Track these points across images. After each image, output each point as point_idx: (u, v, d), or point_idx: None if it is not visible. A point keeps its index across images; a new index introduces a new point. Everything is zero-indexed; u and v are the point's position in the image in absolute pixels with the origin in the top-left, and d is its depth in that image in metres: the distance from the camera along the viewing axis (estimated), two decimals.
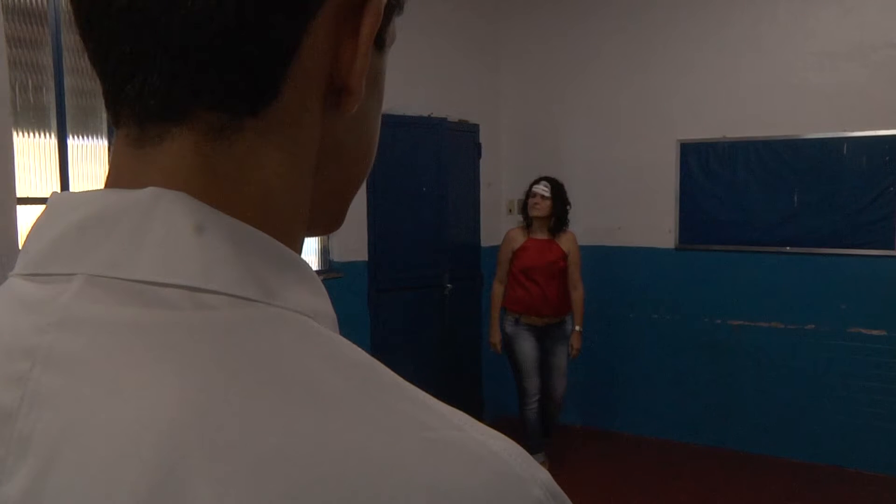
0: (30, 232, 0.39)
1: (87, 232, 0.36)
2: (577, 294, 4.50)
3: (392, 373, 0.36)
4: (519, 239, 4.53)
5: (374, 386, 0.35)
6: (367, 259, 4.82)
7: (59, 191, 0.39)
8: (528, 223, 4.51)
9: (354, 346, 0.37)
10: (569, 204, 4.53)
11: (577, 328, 4.49)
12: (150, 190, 0.36)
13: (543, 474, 0.35)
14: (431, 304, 5.16)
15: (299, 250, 0.42)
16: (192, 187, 0.36)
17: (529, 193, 4.49)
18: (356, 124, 0.43)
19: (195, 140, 0.37)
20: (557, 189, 4.47)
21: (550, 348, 4.51)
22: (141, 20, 0.35)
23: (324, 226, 0.46)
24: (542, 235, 4.46)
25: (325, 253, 4.79)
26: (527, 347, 4.46)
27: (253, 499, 0.30)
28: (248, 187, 0.38)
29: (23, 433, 0.32)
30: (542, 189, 4.44)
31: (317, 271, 4.60)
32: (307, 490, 0.30)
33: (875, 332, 4.64)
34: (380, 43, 0.43)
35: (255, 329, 0.35)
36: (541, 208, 4.43)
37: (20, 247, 0.39)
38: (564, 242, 4.48)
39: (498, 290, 4.57)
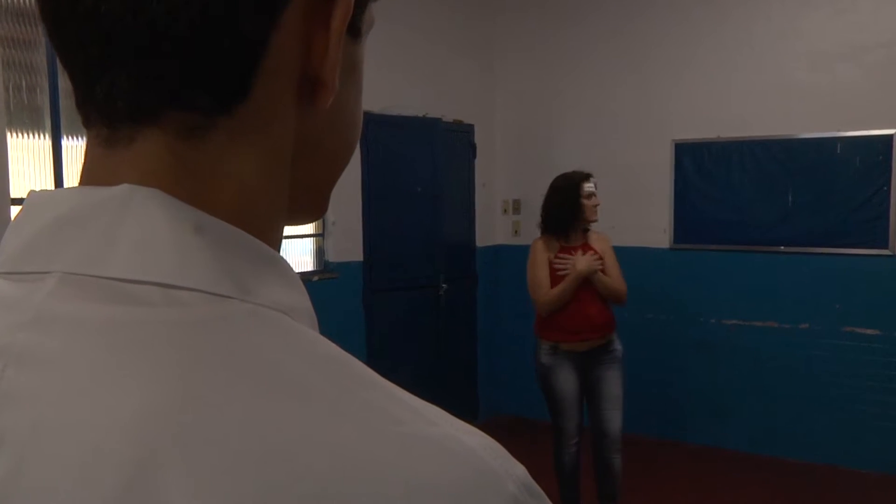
0: (8, 230, 0.39)
1: (61, 229, 0.36)
2: (619, 282, 3.73)
3: (367, 368, 0.36)
4: (552, 247, 3.73)
5: (348, 381, 0.35)
6: (361, 259, 4.82)
7: (41, 190, 0.39)
8: (567, 232, 3.70)
9: (329, 341, 0.37)
10: None
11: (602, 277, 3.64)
12: (124, 186, 0.36)
13: (519, 469, 0.35)
14: (426, 304, 5.16)
15: (278, 245, 0.41)
16: (165, 186, 0.36)
17: (580, 194, 3.65)
18: (333, 116, 0.42)
19: (167, 140, 0.37)
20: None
21: (599, 375, 3.70)
22: (107, 22, 0.35)
23: (305, 216, 0.46)
24: (575, 241, 3.70)
25: (319, 253, 4.79)
26: (566, 382, 3.67)
27: (227, 494, 0.30)
28: (222, 185, 0.38)
29: None
30: (593, 187, 3.70)
31: (311, 272, 4.63)
32: (281, 486, 0.30)
33: (869, 332, 4.65)
34: (354, 31, 0.42)
35: (229, 325, 0.35)
36: (598, 210, 3.71)
37: None
38: (597, 244, 3.74)
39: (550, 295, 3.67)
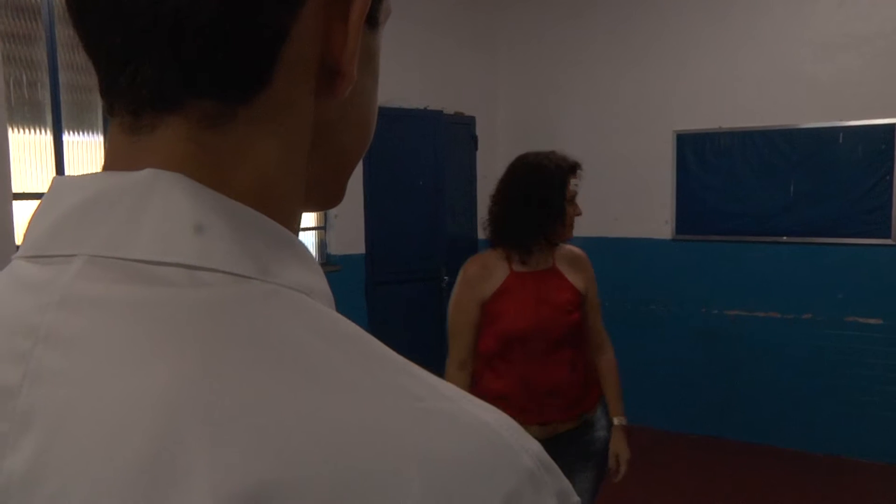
0: (33, 215, 0.40)
1: (87, 213, 0.37)
2: (607, 358, 2.44)
3: (384, 346, 0.37)
4: (494, 276, 2.27)
5: (367, 358, 0.36)
6: (364, 252, 4.82)
7: (65, 175, 0.40)
8: (531, 248, 2.26)
9: (348, 320, 0.38)
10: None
11: (617, 421, 2.36)
12: (147, 171, 0.37)
13: (534, 444, 0.36)
14: (429, 296, 5.17)
15: (296, 230, 0.42)
16: (187, 172, 0.37)
17: (565, 194, 2.26)
18: (350, 106, 0.43)
19: (188, 128, 0.37)
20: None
21: (569, 465, 2.23)
22: (130, 11, 0.36)
23: (322, 202, 0.47)
24: (536, 264, 2.29)
25: (322, 246, 4.80)
26: None
27: (248, 469, 0.30)
28: (242, 173, 0.39)
29: (25, 409, 0.33)
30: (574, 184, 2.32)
31: None
32: (300, 460, 0.31)
33: (871, 321, 4.65)
34: (373, 22, 0.43)
35: (252, 305, 0.35)
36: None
37: (16, 241, 0.39)
38: (571, 268, 2.36)
39: (459, 379, 2.25)
